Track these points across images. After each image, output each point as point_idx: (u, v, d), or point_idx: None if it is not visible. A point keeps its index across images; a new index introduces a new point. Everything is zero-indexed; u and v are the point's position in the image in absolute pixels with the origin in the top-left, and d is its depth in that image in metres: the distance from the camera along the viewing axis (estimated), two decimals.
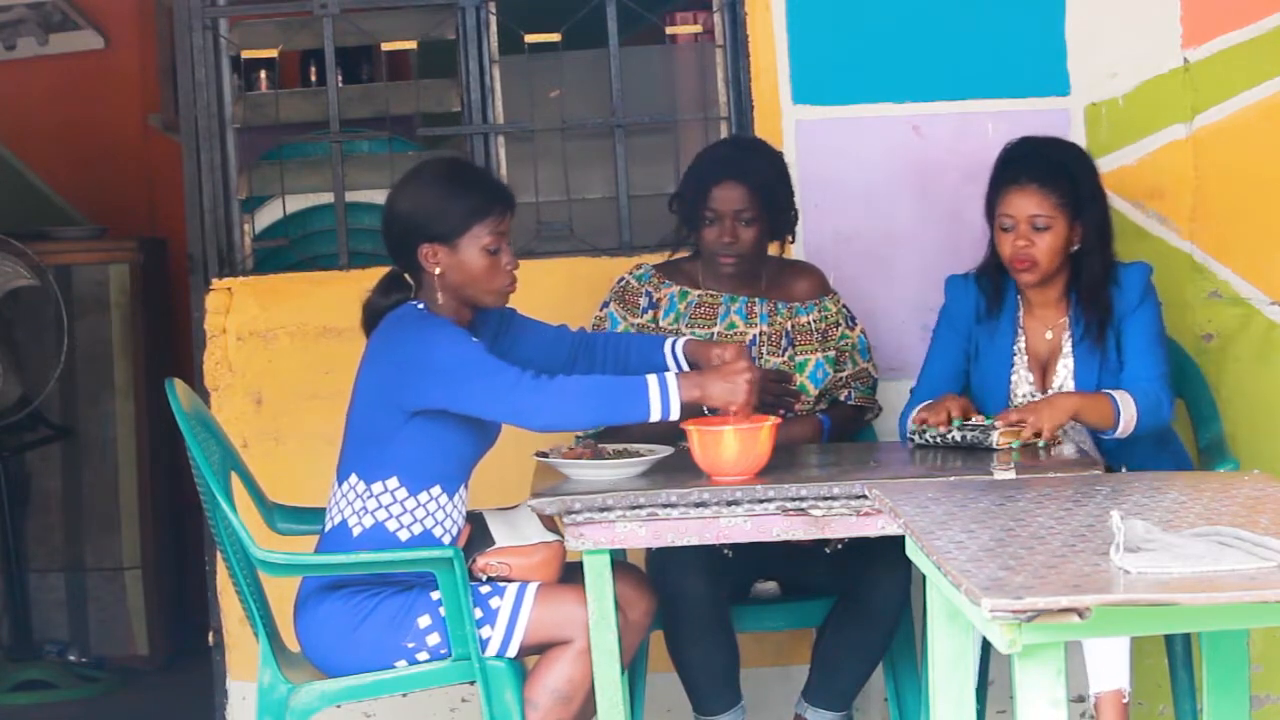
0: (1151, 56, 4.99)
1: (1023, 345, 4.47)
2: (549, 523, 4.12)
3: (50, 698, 6.16)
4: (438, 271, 4.03)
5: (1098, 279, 4.38)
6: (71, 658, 6.45)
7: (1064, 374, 4.42)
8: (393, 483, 4.00)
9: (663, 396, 3.93)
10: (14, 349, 6.34)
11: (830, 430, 4.51)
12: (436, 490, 4.04)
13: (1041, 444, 4.12)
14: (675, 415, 3.94)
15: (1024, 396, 4.43)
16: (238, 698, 5.02)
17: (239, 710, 5.01)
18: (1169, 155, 4.93)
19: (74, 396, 6.50)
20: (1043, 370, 4.45)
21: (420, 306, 4.06)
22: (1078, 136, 4.99)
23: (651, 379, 3.95)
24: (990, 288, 4.48)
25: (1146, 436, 4.34)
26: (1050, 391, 4.41)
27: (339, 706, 4.21)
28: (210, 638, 5.05)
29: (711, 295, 4.58)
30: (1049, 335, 4.45)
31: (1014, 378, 4.45)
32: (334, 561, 3.99)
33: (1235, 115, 4.99)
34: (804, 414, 4.51)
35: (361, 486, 4.02)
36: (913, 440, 4.27)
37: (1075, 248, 4.38)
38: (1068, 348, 4.43)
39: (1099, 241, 4.39)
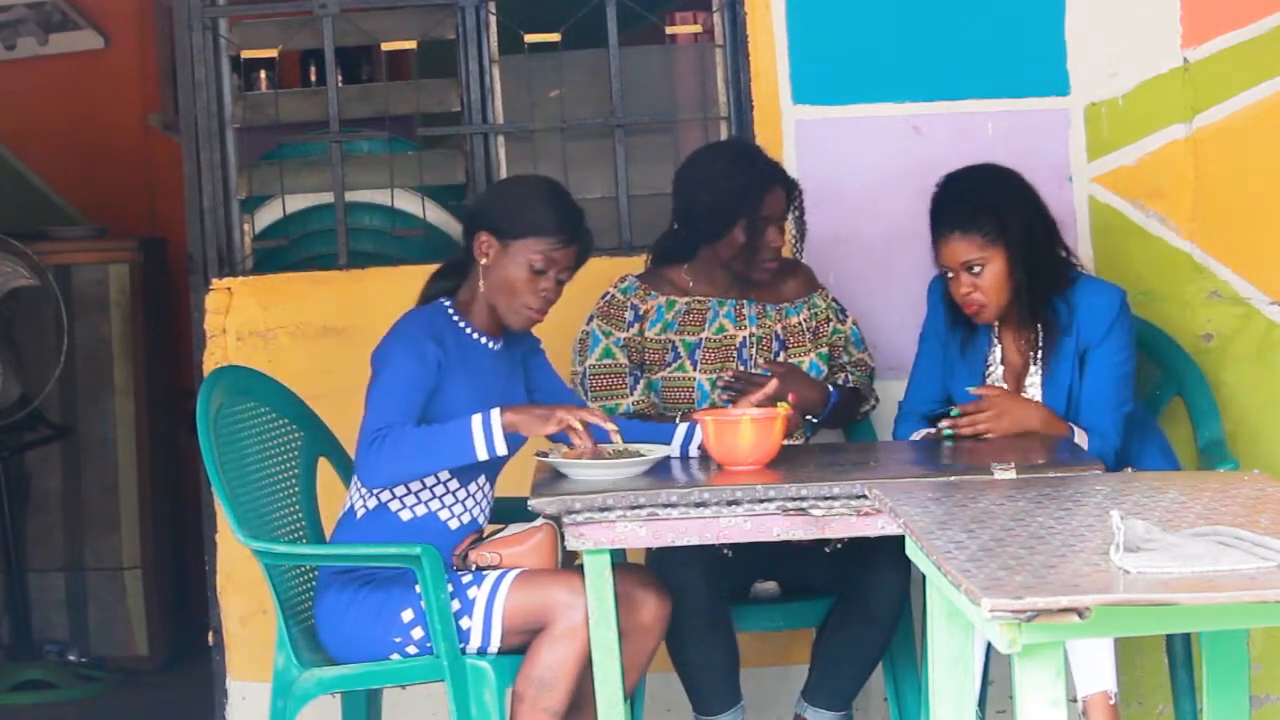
0: (1151, 56, 4.99)
1: (998, 355, 4.45)
2: None
3: (50, 698, 6.16)
4: (483, 263, 4.08)
5: (1038, 300, 4.31)
6: (71, 658, 6.45)
7: (1033, 390, 4.39)
8: None
9: (486, 431, 3.91)
10: (14, 349, 6.34)
11: (833, 407, 4.50)
12: (445, 474, 4.06)
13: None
14: (500, 450, 3.92)
15: None
16: (238, 697, 5.01)
17: (239, 710, 5.01)
18: (1169, 155, 4.93)
19: (74, 396, 6.49)
20: (1017, 379, 4.41)
21: (447, 305, 4.12)
22: (1077, 136, 4.99)
23: (476, 418, 3.92)
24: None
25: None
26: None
27: (334, 695, 4.22)
28: (210, 638, 5.05)
29: (699, 301, 4.57)
30: (1023, 343, 4.42)
31: (989, 383, 4.40)
32: (306, 552, 4.16)
33: (1235, 115, 4.98)
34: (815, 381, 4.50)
35: None
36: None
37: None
38: (1037, 361, 4.40)
39: (1030, 261, 4.30)
